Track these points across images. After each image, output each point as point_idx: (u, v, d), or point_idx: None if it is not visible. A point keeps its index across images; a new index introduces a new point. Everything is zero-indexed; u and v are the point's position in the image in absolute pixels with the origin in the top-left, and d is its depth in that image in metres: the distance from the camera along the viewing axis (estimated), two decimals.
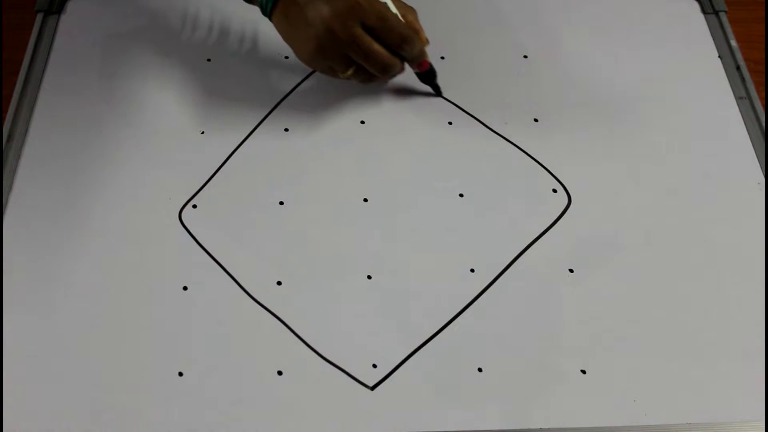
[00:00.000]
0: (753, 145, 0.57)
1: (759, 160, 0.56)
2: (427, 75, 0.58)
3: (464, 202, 0.54)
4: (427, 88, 0.60)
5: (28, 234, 0.53)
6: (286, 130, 0.58)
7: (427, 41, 0.55)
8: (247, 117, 0.59)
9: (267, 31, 0.63)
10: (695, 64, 0.62)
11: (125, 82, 0.61)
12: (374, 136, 0.58)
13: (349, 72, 0.53)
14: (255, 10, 0.55)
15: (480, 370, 0.48)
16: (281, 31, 0.54)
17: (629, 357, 0.48)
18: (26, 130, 0.58)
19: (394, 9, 0.53)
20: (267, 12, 0.53)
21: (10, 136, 0.57)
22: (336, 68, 0.53)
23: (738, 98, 0.60)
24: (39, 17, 0.65)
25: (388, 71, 0.54)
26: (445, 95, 0.60)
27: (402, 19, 0.53)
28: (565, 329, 0.49)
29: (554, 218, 0.54)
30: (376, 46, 0.52)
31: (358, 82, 0.56)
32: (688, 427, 0.45)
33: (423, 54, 0.55)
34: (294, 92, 0.60)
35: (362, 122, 0.58)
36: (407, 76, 0.60)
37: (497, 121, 0.59)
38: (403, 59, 0.54)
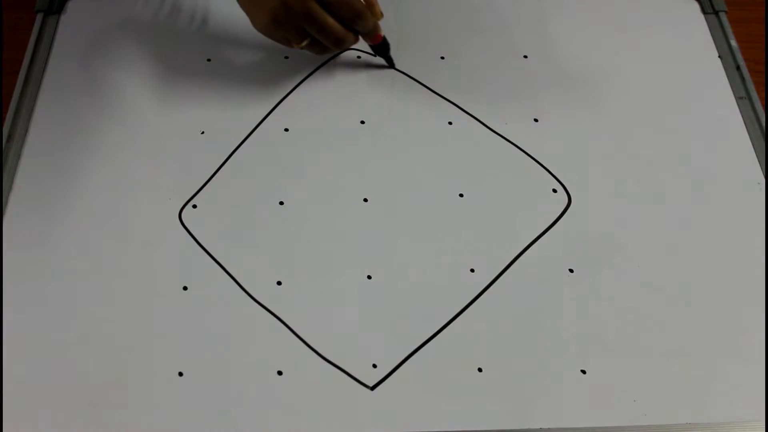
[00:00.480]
0: (753, 145, 0.57)
1: (759, 160, 0.56)
2: (380, 48, 0.60)
3: (464, 202, 0.54)
4: (427, 81, 0.60)
5: (28, 234, 0.53)
6: (286, 130, 0.58)
7: (381, 15, 0.56)
8: (247, 117, 0.59)
9: None
10: (695, 64, 0.62)
11: (125, 82, 0.61)
12: (374, 136, 0.58)
13: (304, 43, 0.55)
14: None
15: (480, 370, 0.48)
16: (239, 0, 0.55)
17: (629, 357, 0.48)
18: (26, 130, 0.58)
19: None
20: None
21: (10, 136, 0.57)
22: (290, 39, 0.55)
23: (738, 98, 0.60)
24: (39, 17, 0.65)
25: (341, 45, 0.56)
26: (444, 95, 0.60)
27: None
28: (565, 329, 0.49)
29: (554, 218, 0.54)
30: (330, 21, 0.53)
31: (312, 53, 0.58)
32: (688, 427, 0.45)
33: (376, 28, 0.57)
34: (294, 92, 0.60)
35: (362, 122, 0.58)
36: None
37: (497, 121, 0.59)
38: (356, 32, 0.56)
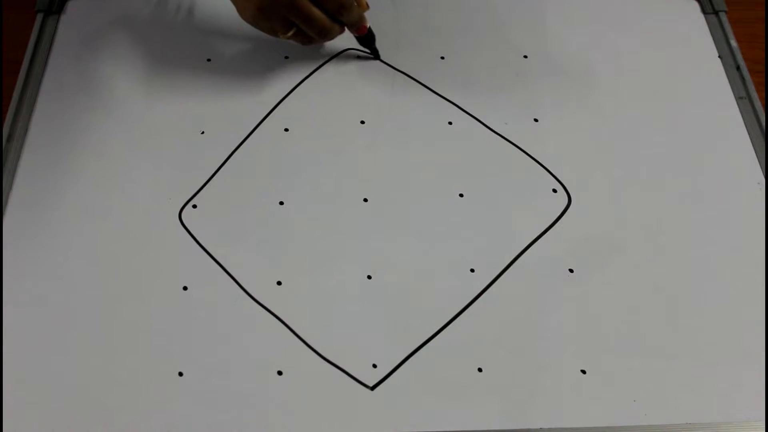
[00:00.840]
0: (753, 145, 0.57)
1: (759, 160, 0.56)
2: (366, 39, 0.60)
3: (464, 202, 0.54)
4: (427, 81, 0.60)
5: (28, 234, 0.53)
6: (286, 130, 0.58)
7: (366, 6, 0.57)
8: (247, 117, 0.59)
9: None
10: (695, 64, 0.62)
11: (125, 81, 0.61)
12: (374, 135, 0.58)
13: (289, 33, 0.56)
14: None
15: (480, 370, 0.48)
16: None
17: (629, 357, 0.48)
18: (26, 130, 0.58)
19: None
20: None
21: (10, 136, 0.57)
22: (276, 29, 0.56)
23: (738, 98, 0.60)
24: (39, 17, 0.65)
25: (326, 35, 0.57)
26: (444, 95, 0.60)
27: None
28: (565, 329, 0.49)
29: (554, 218, 0.54)
30: (316, 11, 0.54)
31: (298, 43, 0.58)
32: (688, 427, 0.45)
33: (362, 19, 0.57)
34: (294, 92, 0.60)
35: (362, 122, 0.58)
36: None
37: (497, 121, 0.59)
38: (342, 24, 0.57)
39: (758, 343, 0.48)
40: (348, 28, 0.58)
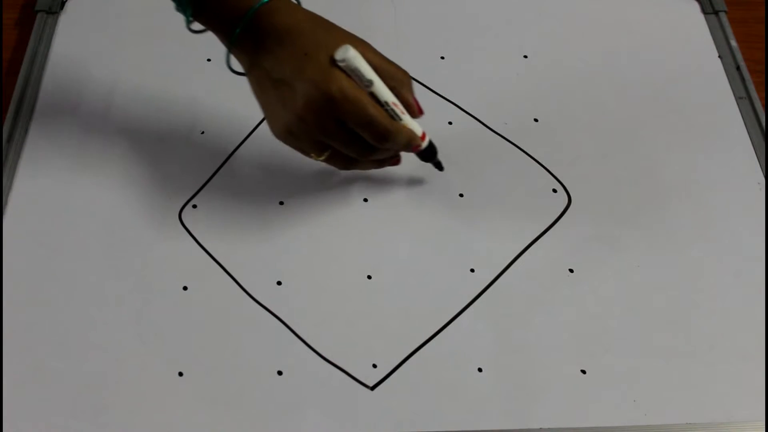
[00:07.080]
0: (753, 145, 0.57)
1: (759, 160, 0.56)
2: (426, 153, 0.51)
3: (464, 202, 0.54)
4: (427, 81, 0.60)
5: (28, 234, 0.53)
6: None
7: (419, 111, 0.48)
8: (247, 117, 0.59)
9: None
10: (695, 64, 0.62)
11: (125, 82, 0.61)
12: None
13: (323, 156, 0.48)
14: None
15: (480, 370, 0.48)
16: (252, 88, 0.48)
17: (629, 357, 0.48)
18: (26, 130, 0.58)
19: (381, 90, 0.45)
20: (227, 60, 0.47)
21: (10, 136, 0.57)
22: (308, 150, 0.48)
23: (738, 98, 0.60)
24: (39, 17, 0.65)
25: (370, 156, 0.48)
26: (444, 95, 0.60)
27: (388, 105, 0.45)
28: (565, 329, 0.49)
29: (554, 218, 0.54)
30: (356, 137, 0.46)
31: (336, 167, 0.51)
32: (688, 427, 0.45)
33: (413, 140, 0.48)
34: None
35: None
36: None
37: (497, 121, 0.59)
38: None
39: (758, 343, 0.48)
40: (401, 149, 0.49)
